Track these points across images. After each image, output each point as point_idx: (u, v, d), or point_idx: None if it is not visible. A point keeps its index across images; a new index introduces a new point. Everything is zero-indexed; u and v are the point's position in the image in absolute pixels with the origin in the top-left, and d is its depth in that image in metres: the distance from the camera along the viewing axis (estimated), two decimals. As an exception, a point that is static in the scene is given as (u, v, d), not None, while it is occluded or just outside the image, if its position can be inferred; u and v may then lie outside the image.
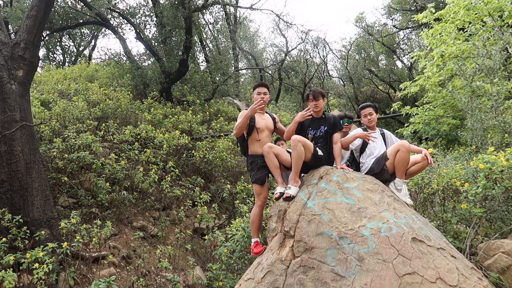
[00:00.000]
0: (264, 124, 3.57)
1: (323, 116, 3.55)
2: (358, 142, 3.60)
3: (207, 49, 15.90)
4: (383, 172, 3.30)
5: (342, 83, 22.52)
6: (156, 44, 11.88)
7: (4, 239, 4.29)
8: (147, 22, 12.25)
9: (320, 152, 3.34)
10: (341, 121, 3.96)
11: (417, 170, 3.39)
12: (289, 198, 3.08)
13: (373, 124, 3.69)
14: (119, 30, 12.41)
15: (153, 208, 6.60)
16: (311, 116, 3.49)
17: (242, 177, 7.67)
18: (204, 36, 15.22)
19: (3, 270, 3.91)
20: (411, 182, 4.51)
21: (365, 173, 3.41)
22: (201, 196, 6.49)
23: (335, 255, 2.52)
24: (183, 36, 11.04)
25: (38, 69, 11.13)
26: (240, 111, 13.05)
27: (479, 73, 6.76)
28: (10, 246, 4.39)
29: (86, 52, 19.95)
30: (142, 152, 7.08)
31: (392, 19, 20.85)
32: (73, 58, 18.98)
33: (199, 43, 15.08)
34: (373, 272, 2.35)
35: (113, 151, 6.99)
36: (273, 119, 3.75)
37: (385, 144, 3.67)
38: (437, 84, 9.07)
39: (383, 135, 3.72)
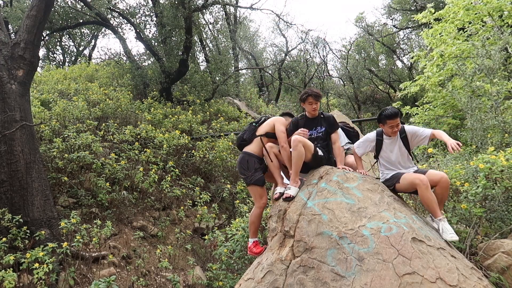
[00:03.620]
0: None
1: (322, 116, 3.54)
2: (370, 146, 3.39)
3: (207, 49, 15.89)
4: (394, 190, 3.21)
5: (342, 83, 22.53)
6: (156, 44, 11.88)
7: (4, 239, 4.29)
8: (147, 22, 12.25)
9: (320, 152, 3.34)
10: None
11: (441, 192, 2.98)
12: (289, 198, 3.08)
13: (396, 134, 3.28)
14: (119, 30, 12.41)
15: (153, 208, 6.60)
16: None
17: (242, 177, 7.67)
18: (204, 36, 15.21)
19: (3, 270, 3.91)
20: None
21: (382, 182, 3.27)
22: (201, 196, 6.50)
23: (335, 255, 2.52)
24: (183, 36, 11.04)
25: (38, 69, 11.12)
26: (240, 111, 13.01)
27: (479, 73, 6.75)
28: (10, 246, 4.39)
29: (86, 52, 19.99)
30: (142, 152, 7.08)
31: (392, 19, 20.88)
32: (73, 58, 18.99)
33: (199, 43, 15.07)
34: (373, 272, 2.35)
35: (113, 151, 6.99)
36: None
37: (409, 143, 3.28)
38: (437, 84, 9.06)
39: (404, 138, 3.27)
